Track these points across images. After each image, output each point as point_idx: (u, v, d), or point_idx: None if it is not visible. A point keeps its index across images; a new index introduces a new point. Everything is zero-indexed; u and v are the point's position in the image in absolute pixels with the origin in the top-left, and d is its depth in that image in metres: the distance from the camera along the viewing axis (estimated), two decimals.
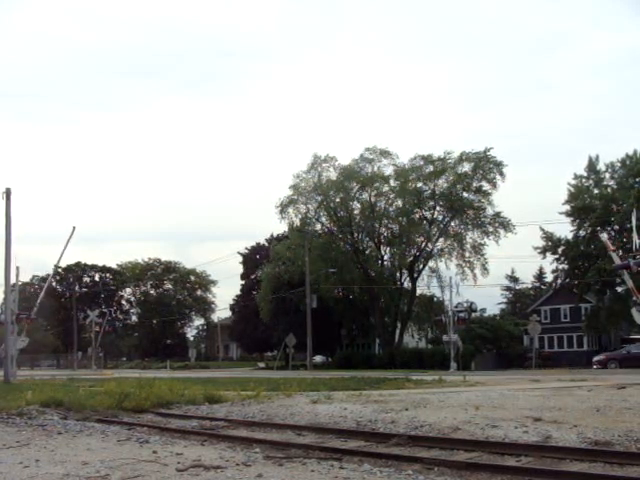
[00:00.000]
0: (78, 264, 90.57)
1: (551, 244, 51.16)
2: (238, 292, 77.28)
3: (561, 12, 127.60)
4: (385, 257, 57.68)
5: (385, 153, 56.35)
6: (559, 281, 55.92)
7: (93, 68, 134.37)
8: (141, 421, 13.78)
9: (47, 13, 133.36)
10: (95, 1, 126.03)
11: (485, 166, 53.85)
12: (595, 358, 43.49)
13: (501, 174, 53.57)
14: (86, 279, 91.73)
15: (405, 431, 10.98)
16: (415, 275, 56.78)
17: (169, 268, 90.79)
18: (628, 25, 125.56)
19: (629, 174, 48.61)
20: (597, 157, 50.38)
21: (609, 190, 49.37)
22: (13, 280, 32.10)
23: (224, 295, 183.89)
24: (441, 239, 55.92)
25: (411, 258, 56.60)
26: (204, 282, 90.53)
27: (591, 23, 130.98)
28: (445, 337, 44.54)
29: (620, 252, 48.28)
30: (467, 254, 54.62)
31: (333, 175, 56.87)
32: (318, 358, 61.20)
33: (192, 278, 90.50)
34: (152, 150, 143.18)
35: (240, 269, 75.23)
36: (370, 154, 56.44)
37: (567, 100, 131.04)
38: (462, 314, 44.94)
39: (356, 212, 57.03)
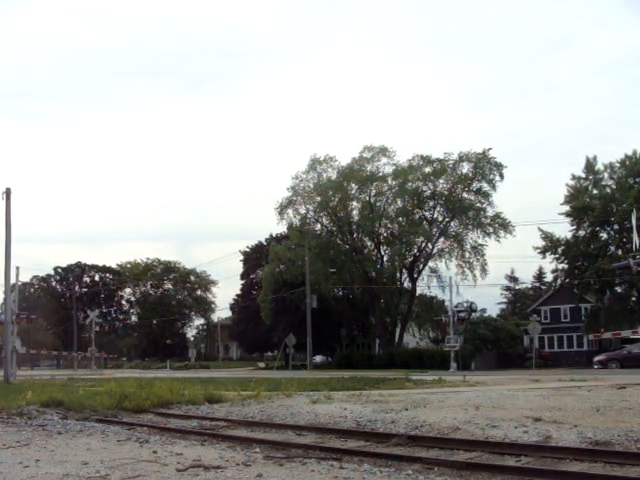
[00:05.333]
0: (78, 264, 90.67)
1: (551, 244, 51.20)
2: (238, 292, 77.44)
3: (562, 12, 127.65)
4: (385, 257, 57.78)
5: (384, 151, 56.41)
6: (559, 281, 55.93)
7: (93, 68, 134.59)
8: (141, 421, 13.77)
9: (47, 13, 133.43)
10: (95, 1, 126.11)
11: (485, 167, 53.92)
12: (596, 358, 43.28)
13: (501, 175, 53.74)
14: (86, 279, 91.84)
15: (405, 431, 10.97)
16: (415, 275, 56.84)
17: (169, 268, 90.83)
18: (629, 25, 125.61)
19: (629, 174, 48.64)
20: (595, 157, 50.51)
21: (608, 190, 49.40)
22: (13, 280, 32.10)
23: (224, 295, 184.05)
24: (441, 239, 56.02)
25: (411, 258, 56.66)
26: (204, 282, 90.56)
27: (592, 23, 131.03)
28: (446, 345, 44.50)
29: (620, 252, 48.45)
30: (467, 254, 54.81)
31: (332, 175, 56.93)
32: (318, 358, 61.21)
33: (192, 278, 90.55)
34: (152, 150, 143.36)
35: (240, 269, 75.41)
36: (369, 152, 56.50)
37: (568, 100, 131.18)
38: (462, 314, 44.92)
39: (355, 212, 57.11)
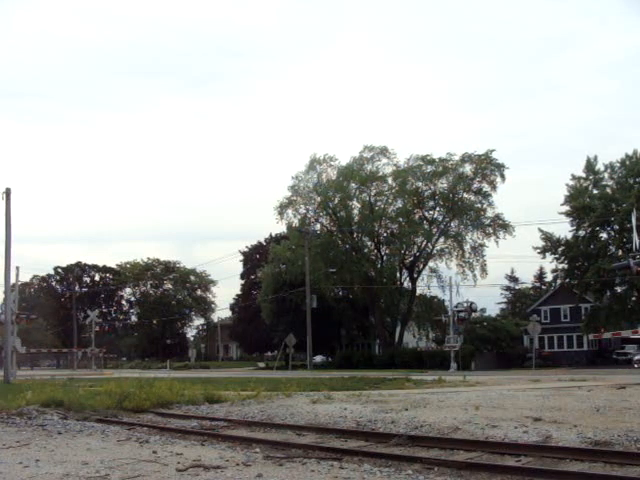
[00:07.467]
0: (78, 264, 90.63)
1: (551, 244, 51.16)
2: (238, 292, 77.42)
3: (562, 12, 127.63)
4: (385, 257, 57.72)
5: (384, 151, 56.38)
6: (559, 281, 55.91)
7: (95, 67, 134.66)
8: (141, 421, 13.77)
9: (47, 13, 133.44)
10: (96, 1, 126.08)
11: (486, 168, 53.87)
12: (636, 357, 43.63)
13: (502, 176, 53.70)
14: (86, 279, 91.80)
15: (405, 431, 10.97)
16: (415, 275, 56.82)
17: (169, 268, 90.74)
18: (629, 25, 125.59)
19: (629, 174, 48.58)
20: (595, 158, 50.37)
21: (608, 190, 49.35)
22: (13, 280, 32.10)
23: (224, 295, 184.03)
24: (441, 239, 55.98)
25: (411, 258, 56.63)
26: (204, 282, 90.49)
27: (593, 24, 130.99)
28: (446, 345, 44.61)
29: (620, 252, 48.42)
30: (467, 255, 54.80)
31: (332, 175, 56.87)
32: (318, 358, 61.17)
33: (192, 278, 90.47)
34: (152, 150, 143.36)
35: (240, 269, 75.41)
36: (369, 152, 56.47)
37: (568, 100, 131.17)
38: (462, 314, 44.97)
39: (355, 212, 57.05)
